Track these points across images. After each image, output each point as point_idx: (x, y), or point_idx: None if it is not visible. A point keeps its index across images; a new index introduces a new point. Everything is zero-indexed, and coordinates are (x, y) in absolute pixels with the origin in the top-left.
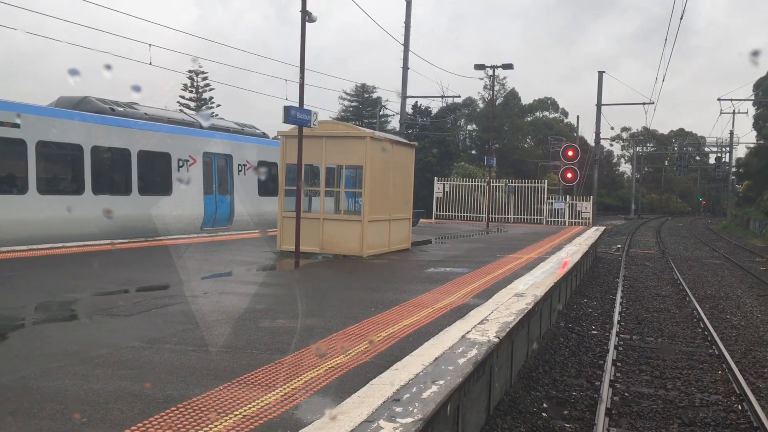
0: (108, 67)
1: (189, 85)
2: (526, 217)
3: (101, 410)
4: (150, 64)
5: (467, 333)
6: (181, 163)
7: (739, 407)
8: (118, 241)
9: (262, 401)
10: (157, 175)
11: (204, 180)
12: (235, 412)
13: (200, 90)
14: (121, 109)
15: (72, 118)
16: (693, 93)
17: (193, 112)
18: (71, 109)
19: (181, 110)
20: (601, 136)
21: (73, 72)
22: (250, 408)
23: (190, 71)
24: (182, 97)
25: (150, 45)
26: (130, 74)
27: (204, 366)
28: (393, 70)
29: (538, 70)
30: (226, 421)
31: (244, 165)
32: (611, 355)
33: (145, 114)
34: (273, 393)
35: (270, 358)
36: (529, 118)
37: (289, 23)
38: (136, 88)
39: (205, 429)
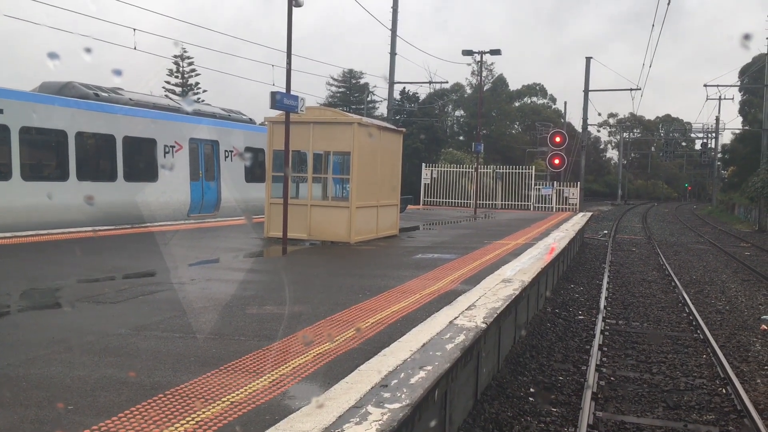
0: (88, 50)
1: (174, 70)
2: (513, 203)
3: (88, 397)
4: (135, 48)
5: (455, 319)
6: (167, 150)
7: (723, 391)
8: (102, 228)
9: (250, 388)
10: (142, 161)
11: (190, 166)
12: (223, 399)
13: (186, 75)
14: (106, 94)
15: (55, 104)
16: (681, 77)
17: (178, 98)
18: (54, 94)
19: (167, 96)
20: (589, 122)
21: (53, 56)
22: (238, 394)
23: (175, 56)
24: (168, 82)
25: (135, 29)
26: (114, 59)
27: (191, 353)
28: (380, 53)
29: (526, 53)
30: (213, 407)
31: (231, 151)
32: (597, 340)
33: (130, 99)
34: (261, 379)
35: (258, 344)
36: (517, 104)
37: (275, 4)
38: (118, 72)
39: (192, 416)
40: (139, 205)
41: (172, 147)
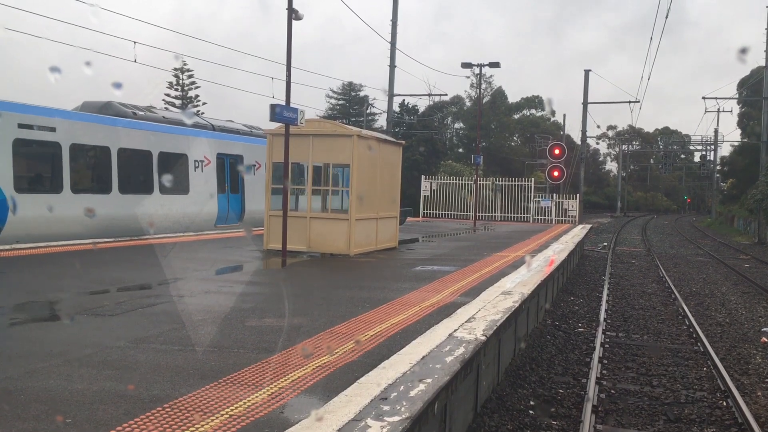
0: (89, 63)
1: (174, 83)
2: (513, 215)
3: (86, 411)
4: (135, 61)
5: (454, 331)
6: (197, 164)
7: (724, 404)
8: (100, 240)
9: (249, 401)
10: (175, 175)
11: (218, 179)
12: (222, 412)
13: (185, 88)
14: (142, 113)
15: (99, 122)
16: (680, 90)
17: (207, 116)
18: (96, 113)
19: (196, 113)
20: (588, 134)
21: (55, 69)
22: (237, 407)
23: (175, 69)
24: (167, 95)
25: (135, 42)
26: (114, 71)
27: (190, 365)
28: (380, 66)
29: (525, 65)
30: (212, 420)
31: (254, 165)
32: (597, 353)
33: (164, 117)
34: (260, 392)
35: (257, 357)
36: (516, 116)
37: (274, 17)
38: (118, 85)
39: (191, 429)
40: (173, 216)
41: (201, 162)
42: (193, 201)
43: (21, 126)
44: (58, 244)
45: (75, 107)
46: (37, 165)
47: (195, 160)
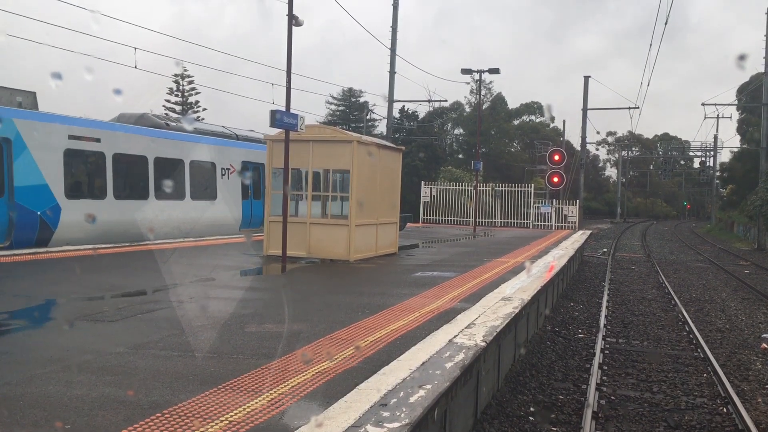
0: (90, 69)
1: (175, 89)
2: (512, 221)
3: (85, 417)
4: (135, 67)
5: (454, 337)
6: (223, 172)
7: (725, 410)
8: (101, 246)
9: (248, 407)
10: (204, 182)
11: (242, 186)
12: (221, 418)
13: (186, 94)
14: (174, 123)
15: (137, 133)
16: (679, 96)
17: (231, 126)
18: (132, 124)
19: (223, 126)
20: (587, 140)
21: (56, 75)
22: (236, 414)
23: (175, 75)
24: (168, 101)
25: (135, 48)
26: (114, 78)
27: (190, 371)
28: (380, 71)
29: (525, 71)
30: (212, 427)
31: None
32: (597, 359)
33: (195, 128)
34: (259, 398)
35: (256, 363)
36: (516, 122)
37: (274, 23)
38: (118, 92)
39: None
40: (202, 220)
41: (228, 169)
42: (221, 206)
43: (71, 137)
44: (57, 250)
45: (112, 118)
46: (84, 173)
47: (222, 168)
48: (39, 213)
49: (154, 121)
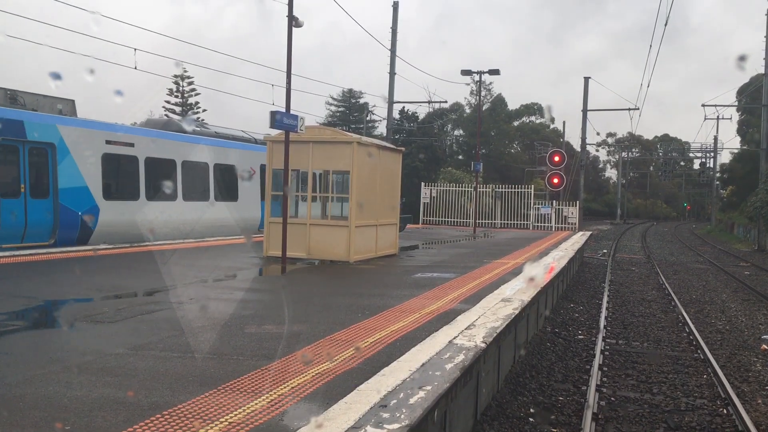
0: (91, 71)
1: (174, 90)
2: (512, 222)
3: (85, 417)
4: (135, 68)
5: (454, 338)
6: (243, 174)
7: (725, 411)
8: (102, 247)
9: (248, 408)
10: (227, 184)
11: (261, 188)
12: (221, 419)
13: (186, 95)
14: (198, 128)
15: (166, 138)
16: (679, 97)
17: (251, 131)
18: (159, 129)
19: (243, 131)
20: (587, 141)
21: (56, 76)
22: (236, 415)
23: (175, 76)
24: (167, 102)
25: (135, 49)
26: (114, 78)
27: (190, 372)
28: (380, 72)
29: (525, 73)
30: (212, 428)
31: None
32: (597, 360)
33: (216, 133)
34: (259, 400)
35: (256, 364)
36: (516, 123)
37: (274, 24)
38: (119, 93)
39: None
40: (225, 220)
41: (248, 172)
42: (242, 207)
43: (107, 142)
44: (58, 250)
45: (140, 123)
46: (120, 176)
47: (242, 171)
48: (80, 213)
49: (179, 126)
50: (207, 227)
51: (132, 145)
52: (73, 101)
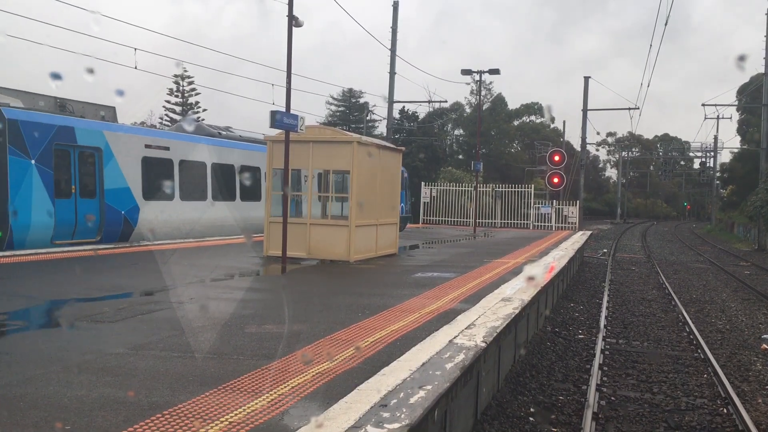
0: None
1: (175, 89)
2: (513, 221)
3: (85, 417)
4: (135, 68)
5: (454, 338)
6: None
7: (725, 410)
8: (102, 247)
9: (248, 408)
10: (251, 185)
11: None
12: (222, 419)
13: (186, 95)
14: (225, 132)
15: (197, 142)
16: (680, 96)
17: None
18: (189, 133)
19: (263, 135)
20: (587, 141)
21: (55, 75)
22: (236, 414)
23: (175, 76)
24: (168, 101)
25: (135, 49)
26: (114, 78)
27: (190, 372)
28: (380, 71)
29: (525, 72)
30: (212, 427)
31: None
32: (598, 360)
33: (240, 136)
34: (260, 399)
35: (256, 364)
36: (516, 123)
37: (274, 23)
38: (120, 92)
39: None
40: (250, 219)
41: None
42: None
43: (147, 146)
44: (59, 250)
45: (171, 127)
46: (157, 178)
47: (265, 172)
48: (123, 212)
49: (208, 130)
50: (233, 225)
51: (167, 148)
52: (113, 108)
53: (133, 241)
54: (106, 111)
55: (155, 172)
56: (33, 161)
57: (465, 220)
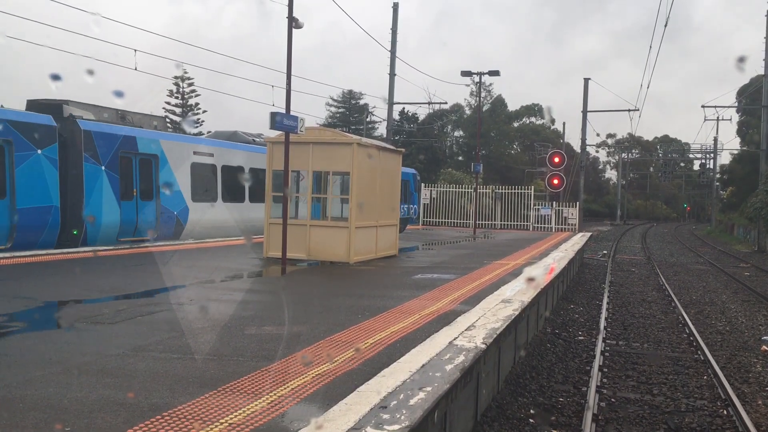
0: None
1: (175, 91)
2: (512, 223)
3: (85, 419)
4: (135, 69)
5: (454, 339)
6: (294, 178)
7: (725, 412)
8: (101, 248)
9: (248, 409)
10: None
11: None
12: (221, 421)
13: (186, 96)
14: (258, 139)
15: (236, 148)
16: (680, 98)
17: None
18: (226, 140)
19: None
20: (587, 142)
21: (55, 77)
22: (236, 416)
23: (175, 77)
24: (168, 103)
25: (135, 50)
26: (113, 79)
27: (190, 374)
28: (380, 72)
29: (525, 73)
30: (211, 429)
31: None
32: (598, 361)
33: None
34: (259, 401)
35: (256, 365)
36: (516, 124)
37: (274, 24)
38: (119, 94)
39: None
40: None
41: (298, 177)
42: (292, 208)
43: (195, 153)
44: (58, 252)
45: (208, 135)
46: (203, 181)
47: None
48: (176, 213)
49: (243, 137)
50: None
51: (212, 155)
52: (164, 118)
53: (182, 240)
54: (158, 121)
55: (202, 176)
56: (103, 167)
57: (465, 221)
